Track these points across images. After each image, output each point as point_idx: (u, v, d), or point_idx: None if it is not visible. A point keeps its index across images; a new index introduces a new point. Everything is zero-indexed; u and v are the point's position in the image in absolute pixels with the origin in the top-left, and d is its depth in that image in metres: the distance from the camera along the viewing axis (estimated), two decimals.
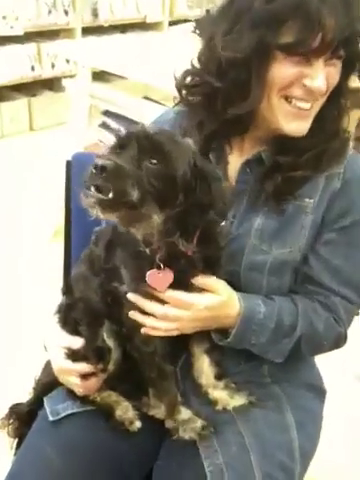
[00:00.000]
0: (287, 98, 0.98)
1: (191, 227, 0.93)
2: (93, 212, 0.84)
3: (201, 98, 1.06)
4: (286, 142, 1.03)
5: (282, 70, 0.95)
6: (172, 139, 0.90)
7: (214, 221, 0.99)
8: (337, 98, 1.03)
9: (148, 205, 0.85)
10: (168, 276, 0.95)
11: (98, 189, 0.82)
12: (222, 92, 0.99)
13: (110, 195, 0.81)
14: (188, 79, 1.07)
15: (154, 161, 0.86)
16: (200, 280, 0.98)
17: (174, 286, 0.97)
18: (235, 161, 1.09)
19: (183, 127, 1.08)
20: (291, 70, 0.95)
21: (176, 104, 1.13)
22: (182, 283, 0.97)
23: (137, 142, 0.87)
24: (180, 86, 1.08)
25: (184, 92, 1.08)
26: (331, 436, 1.26)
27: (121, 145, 0.89)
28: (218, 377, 1.09)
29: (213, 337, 1.06)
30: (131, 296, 0.98)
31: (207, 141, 1.06)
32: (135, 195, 0.83)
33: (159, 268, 0.94)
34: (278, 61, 0.94)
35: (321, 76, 0.95)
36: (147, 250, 0.94)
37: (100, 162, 0.81)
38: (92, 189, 0.82)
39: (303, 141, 1.02)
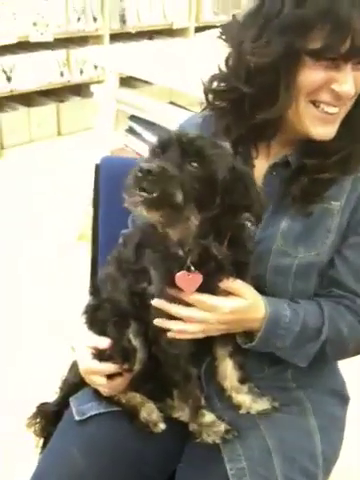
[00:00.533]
0: (315, 103, 0.98)
1: (224, 230, 0.94)
2: (137, 211, 0.86)
3: (228, 103, 1.06)
4: (313, 145, 1.03)
5: (311, 75, 0.95)
6: (213, 143, 0.92)
7: (243, 225, 1.01)
8: None
9: (189, 207, 0.87)
10: (197, 278, 0.95)
11: (143, 191, 0.84)
12: (250, 97, 1.00)
13: (155, 194, 0.83)
14: (215, 84, 1.08)
15: (195, 164, 0.88)
16: (226, 283, 0.98)
17: (201, 289, 0.97)
18: (261, 165, 1.10)
19: (211, 132, 1.09)
20: (319, 75, 0.95)
21: (203, 109, 1.14)
22: (209, 286, 0.98)
23: (179, 145, 0.89)
24: (208, 91, 1.09)
25: (211, 97, 1.09)
26: (351, 441, 1.24)
27: (162, 148, 0.90)
28: (242, 381, 1.09)
29: (238, 340, 1.06)
30: (156, 302, 0.98)
31: (234, 145, 1.07)
32: (179, 197, 0.84)
33: (189, 270, 0.95)
34: (307, 66, 0.94)
35: (350, 81, 0.95)
36: (180, 252, 0.95)
37: (145, 166, 0.83)
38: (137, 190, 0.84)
39: (330, 144, 1.02)
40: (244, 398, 1.09)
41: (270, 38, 0.94)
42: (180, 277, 0.95)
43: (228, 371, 1.09)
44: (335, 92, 0.96)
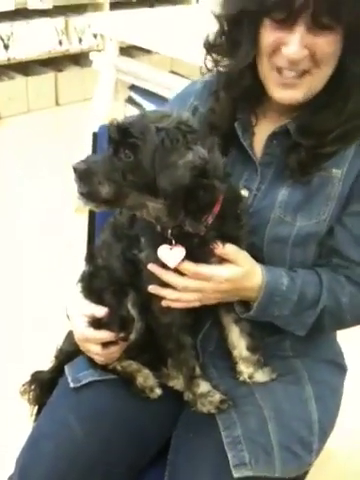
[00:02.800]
0: (278, 70, 0.97)
1: (198, 207, 0.92)
2: (88, 206, 0.93)
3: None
4: (310, 122, 1.00)
5: (267, 36, 0.95)
6: (140, 128, 0.88)
7: (236, 198, 0.99)
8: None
9: (132, 195, 0.89)
10: (179, 252, 0.95)
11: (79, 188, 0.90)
12: (221, 49, 1.04)
13: (86, 191, 0.89)
14: (212, 38, 1.08)
15: (127, 152, 0.88)
16: (220, 250, 0.96)
17: (193, 260, 0.96)
18: (262, 133, 1.07)
19: (213, 91, 1.09)
20: (274, 36, 0.94)
21: (205, 73, 1.12)
22: (200, 258, 0.97)
23: (113, 136, 0.90)
24: (206, 46, 1.08)
25: (213, 54, 1.08)
26: (348, 410, 1.25)
27: (109, 139, 0.92)
28: (252, 349, 1.08)
29: (236, 310, 1.05)
30: (151, 266, 0.97)
31: (234, 109, 1.06)
32: (105, 191, 0.88)
33: (171, 243, 0.95)
34: (265, 26, 0.95)
35: (294, 43, 0.92)
36: (158, 227, 0.95)
37: (74, 164, 0.89)
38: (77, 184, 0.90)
39: (327, 122, 0.99)
40: (249, 369, 1.09)
41: None
42: (162, 250, 0.95)
43: (235, 338, 1.08)
44: (284, 55, 0.94)
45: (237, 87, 1.05)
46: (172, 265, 0.95)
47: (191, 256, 0.95)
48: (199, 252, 0.96)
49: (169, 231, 0.94)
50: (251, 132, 1.07)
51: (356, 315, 1.07)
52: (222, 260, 0.98)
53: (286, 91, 0.99)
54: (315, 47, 0.93)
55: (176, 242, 0.94)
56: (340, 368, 1.20)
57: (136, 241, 1.01)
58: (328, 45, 0.93)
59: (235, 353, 1.09)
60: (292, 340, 1.12)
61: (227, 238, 0.97)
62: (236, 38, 1.01)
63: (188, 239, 0.94)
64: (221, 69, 1.08)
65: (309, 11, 0.89)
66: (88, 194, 0.90)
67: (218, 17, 1.03)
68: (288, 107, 1.03)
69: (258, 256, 1.03)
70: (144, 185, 0.88)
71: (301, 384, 1.11)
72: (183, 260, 0.95)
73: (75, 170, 0.89)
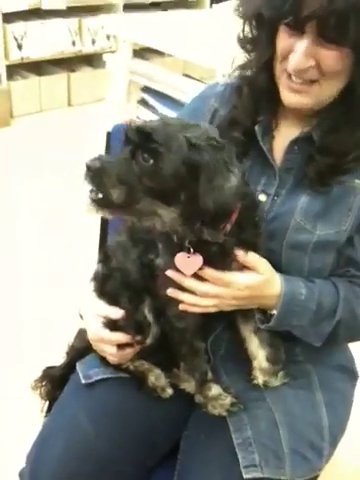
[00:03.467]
0: (289, 75, 0.98)
1: (217, 216, 0.90)
2: (91, 211, 0.88)
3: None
4: (329, 141, 1.00)
5: (281, 40, 0.97)
6: (166, 134, 0.86)
7: (253, 205, 0.99)
8: None
9: (144, 201, 0.86)
10: (196, 261, 0.94)
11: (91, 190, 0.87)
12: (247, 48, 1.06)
13: (99, 195, 0.86)
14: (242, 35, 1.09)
15: (146, 157, 0.85)
16: (241, 257, 0.96)
17: (212, 267, 0.95)
18: (282, 137, 1.07)
19: (236, 86, 1.10)
20: (286, 42, 0.95)
21: (233, 71, 1.13)
22: (219, 265, 0.96)
23: (132, 138, 0.87)
24: (238, 40, 1.09)
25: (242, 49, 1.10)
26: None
27: (126, 141, 0.89)
28: (273, 360, 1.07)
29: (256, 319, 1.04)
30: (170, 273, 0.97)
31: (255, 109, 1.06)
32: (117, 193, 0.85)
33: (189, 251, 0.94)
34: (281, 31, 0.96)
35: (298, 52, 0.93)
36: (174, 237, 0.94)
37: (88, 162, 0.86)
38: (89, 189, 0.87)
39: (345, 143, 0.99)
40: (264, 376, 1.08)
41: None
42: (179, 258, 0.94)
43: (254, 349, 1.08)
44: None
45: (255, 86, 1.05)
46: (189, 274, 0.95)
47: (210, 263, 0.95)
48: (218, 259, 0.95)
49: (185, 241, 0.93)
50: (271, 136, 1.07)
51: None
52: (242, 267, 0.97)
53: (294, 95, 0.99)
54: (321, 59, 0.93)
55: (195, 250, 0.94)
56: (351, 374, 1.20)
57: (152, 246, 1.00)
58: (333, 59, 0.92)
59: (255, 364, 1.08)
60: (303, 346, 1.11)
61: (245, 245, 0.96)
62: (255, 37, 1.03)
63: (207, 247, 0.94)
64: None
65: (315, 21, 0.88)
66: (100, 201, 0.87)
67: (239, 16, 1.03)
68: (307, 112, 1.03)
69: (276, 262, 1.02)
70: (159, 192, 0.86)
71: (312, 390, 1.11)
72: (201, 268, 0.94)
73: (89, 168, 0.86)
